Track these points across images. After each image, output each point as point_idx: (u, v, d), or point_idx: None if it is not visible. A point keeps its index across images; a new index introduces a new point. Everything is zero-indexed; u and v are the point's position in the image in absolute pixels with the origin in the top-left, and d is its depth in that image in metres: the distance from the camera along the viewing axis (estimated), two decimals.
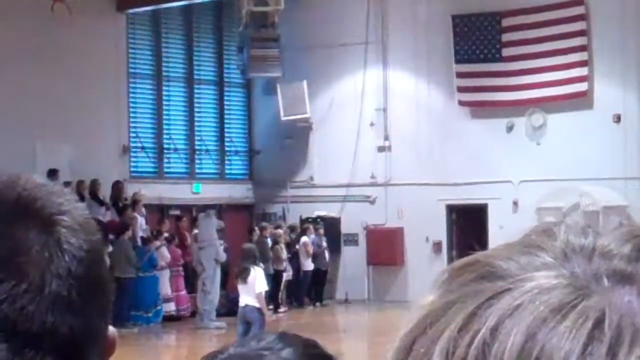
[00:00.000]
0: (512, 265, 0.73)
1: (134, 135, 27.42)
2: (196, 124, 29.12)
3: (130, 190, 25.77)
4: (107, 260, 1.29)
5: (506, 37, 27.05)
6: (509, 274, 0.72)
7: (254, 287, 15.56)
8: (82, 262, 1.17)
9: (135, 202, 24.93)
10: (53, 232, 1.17)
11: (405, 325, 0.73)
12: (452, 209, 27.67)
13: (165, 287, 24.01)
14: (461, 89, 27.45)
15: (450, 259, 25.43)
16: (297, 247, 27.05)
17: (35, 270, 1.14)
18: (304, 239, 27.14)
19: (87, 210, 1.25)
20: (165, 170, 28.27)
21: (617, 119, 25.89)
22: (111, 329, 1.25)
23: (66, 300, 1.15)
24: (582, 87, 26.17)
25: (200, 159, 29.18)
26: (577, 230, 0.76)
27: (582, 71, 26.18)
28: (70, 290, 1.15)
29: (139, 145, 27.59)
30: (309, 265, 27.13)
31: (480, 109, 27.37)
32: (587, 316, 0.67)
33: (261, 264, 17.12)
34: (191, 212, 27.27)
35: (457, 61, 27.51)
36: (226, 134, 29.89)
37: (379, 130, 28.55)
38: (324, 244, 27.66)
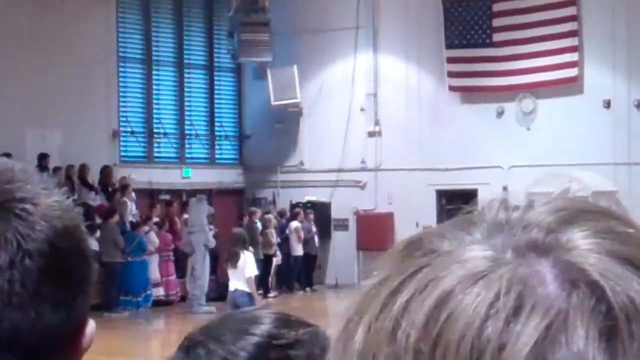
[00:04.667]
0: (444, 242, 0.74)
1: (124, 119, 27.35)
2: (186, 108, 29.04)
3: (119, 174, 25.71)
4: (91, 247, 1.26)
5: (497, 22, 27.02)
6: (436, 250, 0.74)
7: (243, 271, 15.53)
8: (33, 254, 1.11)
9: (124, 187, 24.87)
10: (3, 221, 1.12)
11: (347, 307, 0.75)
12: (442, 194, 27.67)
13: (154, 272, 23.98)
14: (451, 74, 27.42)
15: None
16: (287, 232, 27.03)
17: None
18: (294, 224, 27.11)
19: (66, 198, 1.18)
20: (155, 154, 28.21)
21: (607, 104, 25.90)
22: (90, 323, 1.20)
23: (6, 293, 1.09)
24: (572, 72, 26.16)
25: (190, 144, 29.12)
26: (507, 205, 0.78)
27: (573, 56, 26.17)
28: (12, 283, 1.09)
29: (129, 129, 27.52)
30: (299, 250, 27.11)
31: (470, 94, 27.36)
32: (491, 286, 0.68)
33: (251, 249, 17.11)
34: (181, 197, 27.24)
35: (448, 46, 27.48)
36: (216, 119, 29.83)
37: (369, 115, 28.54)
38: (314, 229, 27.65)
